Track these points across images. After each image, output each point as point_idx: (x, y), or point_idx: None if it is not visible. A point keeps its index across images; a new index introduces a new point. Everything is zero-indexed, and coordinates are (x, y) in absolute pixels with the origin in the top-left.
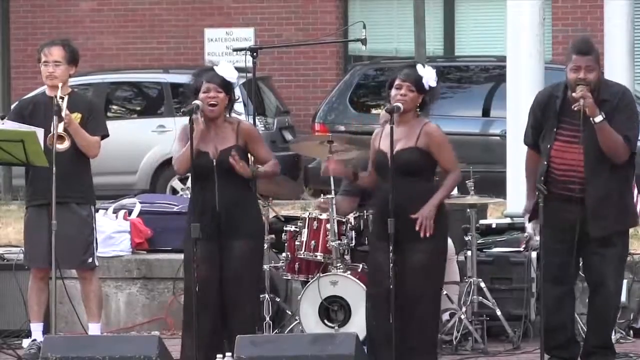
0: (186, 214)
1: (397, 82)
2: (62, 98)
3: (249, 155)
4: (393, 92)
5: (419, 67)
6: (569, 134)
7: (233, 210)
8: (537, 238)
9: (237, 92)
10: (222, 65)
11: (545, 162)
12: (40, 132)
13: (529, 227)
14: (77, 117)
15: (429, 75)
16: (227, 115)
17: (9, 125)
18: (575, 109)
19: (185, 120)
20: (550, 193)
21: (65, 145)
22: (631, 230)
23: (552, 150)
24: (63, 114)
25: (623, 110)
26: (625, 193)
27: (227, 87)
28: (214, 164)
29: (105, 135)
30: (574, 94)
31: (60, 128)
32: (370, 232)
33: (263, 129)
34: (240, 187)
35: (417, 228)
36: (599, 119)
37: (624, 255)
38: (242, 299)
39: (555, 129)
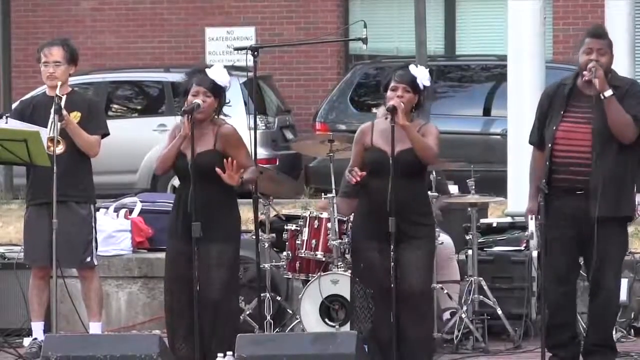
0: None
1: (392, 84)
2: (60, 98)
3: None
4: (389, 94)
5: (411, 67)
6: (577, 115)
7: (206, 213)
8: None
9: (236, 92)
10: (215, 68)
11: (550, 145)
12: (43, 132)
13: (532, 225)
14: (76, 116)
15: (422, 75)
16: (216, 118)
17: (12, 124)
18: (586, 78)
19: (176, 120)
20: (553, 187)
21: (59, 148)
22: (631, 229)
23: (558, 132)
24: (61, 104)
25: (633, 96)
26: (629, 182)
27: (216, 91)
28: (188, 166)
29: (105, 133)
30: (588, 66)
31: (57, 129)
32: (354, 231)
33: (264, 127)
34: (217, 190)
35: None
36: (608, 93)
37: (623, 253)
38: (212, 300)
39: (562, 112)
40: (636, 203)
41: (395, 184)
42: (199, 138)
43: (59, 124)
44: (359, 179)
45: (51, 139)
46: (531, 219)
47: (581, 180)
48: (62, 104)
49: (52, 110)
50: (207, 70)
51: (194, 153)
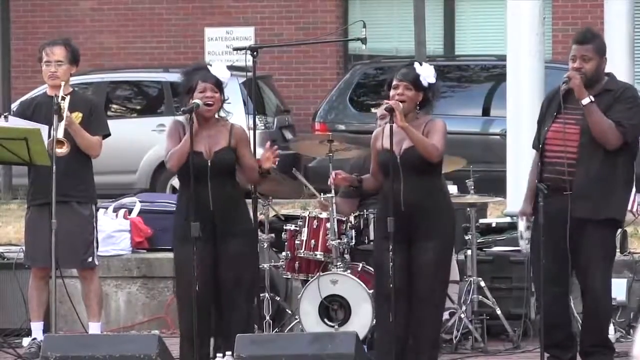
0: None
1: (394, 82)
2: (63, 98)
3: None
4: (391, 92)
5: (416, 65)
6: (568, 117)
7: (226, 210)
8: (527, 236)
9: (236, 92)
10: (216, 65)
11: (541, 146)
12: (44, 130)
13: (521, 225)
14: (77, 116)
15: (426, 73)
16: (219, 116)
17: (13, 121)
18: (562, 89)
19: (174, 118)
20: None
21: (64, 150)
22: (630, 229)
23: (549, 132)
24: (64, 115)
25: (624, 101)
26: (617, 183)
27: (221, 87)
28: (209, 164)
29: (106, 134)
30: (563, 77)
31: (61, 130)
32: (375, 231)
33: (263, 127)
34: (231, 187)
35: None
36: (586, 100)
37: (612, 253)
38: (239, 298)
39: (555, 113)
40: (636, 203)
41: (407, 183)
42: (212, 136)
43: (63, 123)
44: (332, 180)
45: (57, 141)
46: (521, 219)
47: (566, 180)
48: (66, 104)
49: (53, 112)
50: (209, 67)
51: (192, 152)
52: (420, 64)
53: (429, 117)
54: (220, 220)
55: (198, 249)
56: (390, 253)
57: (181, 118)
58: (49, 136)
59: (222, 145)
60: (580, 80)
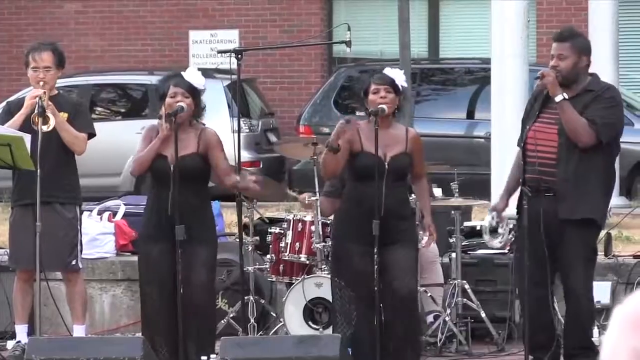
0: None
1: (373, 87)
2: (45, 93)
3: (211, 162)
4: (372, 97)
5: (387, 70)
6: (549, 117)
7: (188, 216)
8: (501, 231)
9: (220, 95)
10: (190, 71)
11: (523, 145)
12: (27, 138)
13: (487, 220)
14: (63, 116)
15: (399, 77)
16: (195, 122)
17: None
18: (535, 86)
19: (151, 122)
20: (526, 187)
21: (50, 125)
22: (614, 232)
23: (530, 131)
24: (45, 104)
25: (603, 100)
26: (594, 184)
27: (194, 92)
28: (171, 169)
29: (92, 134)
30: (538, 73)
31: (45, 129)
32: (338, 234)
33: (247, 130)
34: (196, 193)
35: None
36: (559, 98)
37: (592, 254)
38: (202, 301)
39: (538, 113)
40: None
41: (387, 188)
42: (182, 141)
43: (45, 125)
44: (349, 125)
45: (42, 118)
46: (489, 214)
47: (548, 180)
48: (47, 96)
49: (38, 113)
50: (182, 73)
51: (177, 156)
52: (391, 68)
53: (402, 125)
54: (180, 225)
55: (157, 250)
56: (376, 256)
57: (157, 123)
58: (31, 142)
59: (189, 151)
60: (554, 78)
